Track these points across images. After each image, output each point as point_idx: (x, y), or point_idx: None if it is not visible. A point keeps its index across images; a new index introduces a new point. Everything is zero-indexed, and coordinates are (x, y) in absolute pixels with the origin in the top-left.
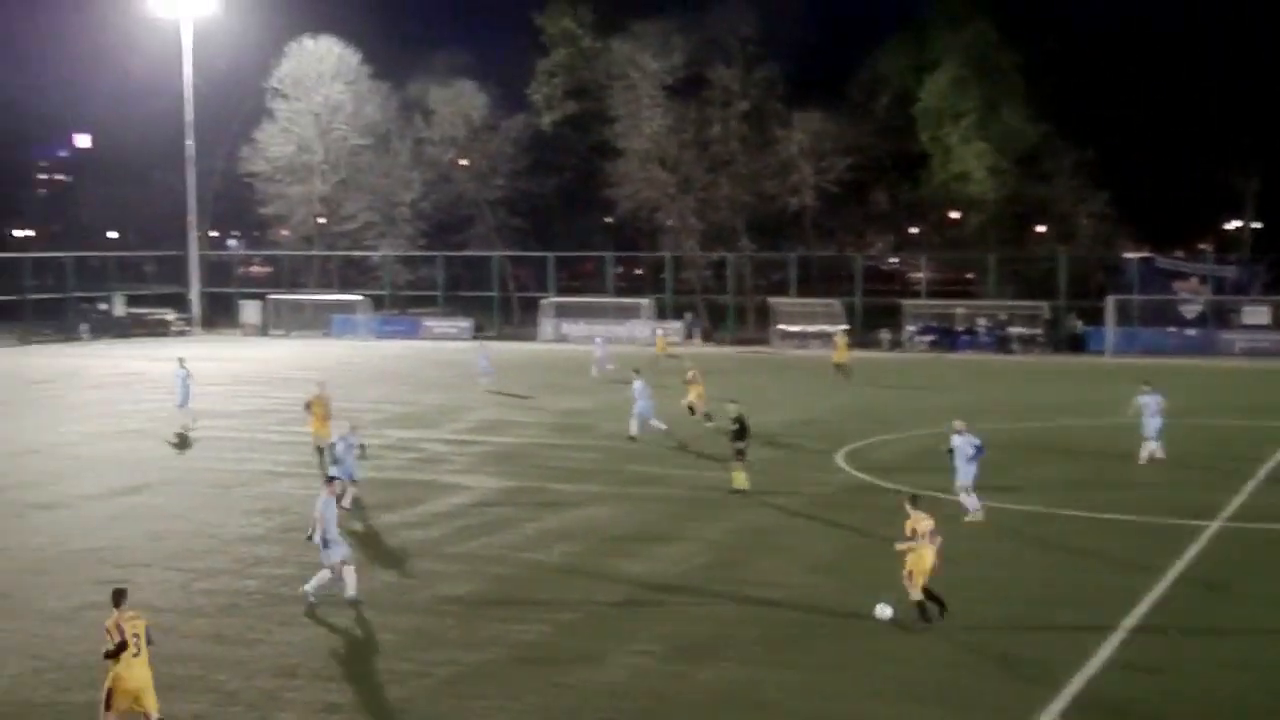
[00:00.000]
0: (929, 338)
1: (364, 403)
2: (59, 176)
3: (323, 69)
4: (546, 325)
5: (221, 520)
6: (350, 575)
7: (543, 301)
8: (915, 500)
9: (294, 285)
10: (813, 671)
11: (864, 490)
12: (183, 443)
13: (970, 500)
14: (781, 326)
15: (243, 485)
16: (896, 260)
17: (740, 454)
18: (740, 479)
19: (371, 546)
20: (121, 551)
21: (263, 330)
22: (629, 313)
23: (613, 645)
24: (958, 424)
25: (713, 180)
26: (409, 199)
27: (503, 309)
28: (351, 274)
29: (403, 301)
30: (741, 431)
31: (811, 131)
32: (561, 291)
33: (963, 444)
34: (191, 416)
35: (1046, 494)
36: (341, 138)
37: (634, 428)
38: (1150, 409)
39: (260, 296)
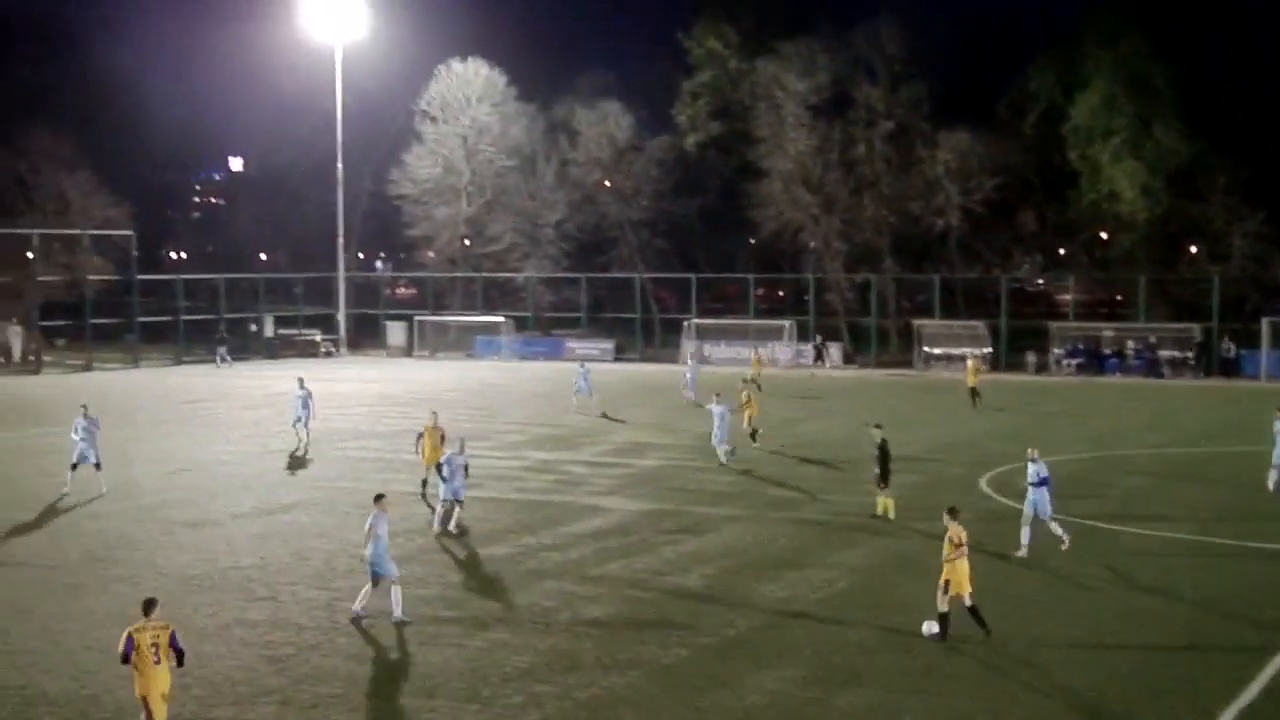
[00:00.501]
0: (1076, 360)
1: (506, 424)
2: (213, 199)
3: (470, 92)
4: (688, 347)
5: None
6: (397, 594)
7: (685, 323)
8: (954, 512)
9: (439, 307)
10: (956, 699)
11: (1008, 516)
12: (296, 462)
13: (1026, 534)
14: (926, 349)
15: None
16: (1043, 281)
17: (882, 479)
18: (884, 504)
19: (511, 568)
20: (267, 570)
21: (408, 351)
22: (771, 334)
23: (751, 670)
24: (1033, 452)
25: (857, 201)
26: (553, 220)
27: (645, 330)
28: (495, 295)
29: (546, 323)
30: (884, 457)
31: (957, 151)
32: (703, 313)
33: (1032, 472)
34: (306, 435)
35: (1195, 521)
36: (487, 160)
37: (723, 455)
38: None
39: (406, 318)
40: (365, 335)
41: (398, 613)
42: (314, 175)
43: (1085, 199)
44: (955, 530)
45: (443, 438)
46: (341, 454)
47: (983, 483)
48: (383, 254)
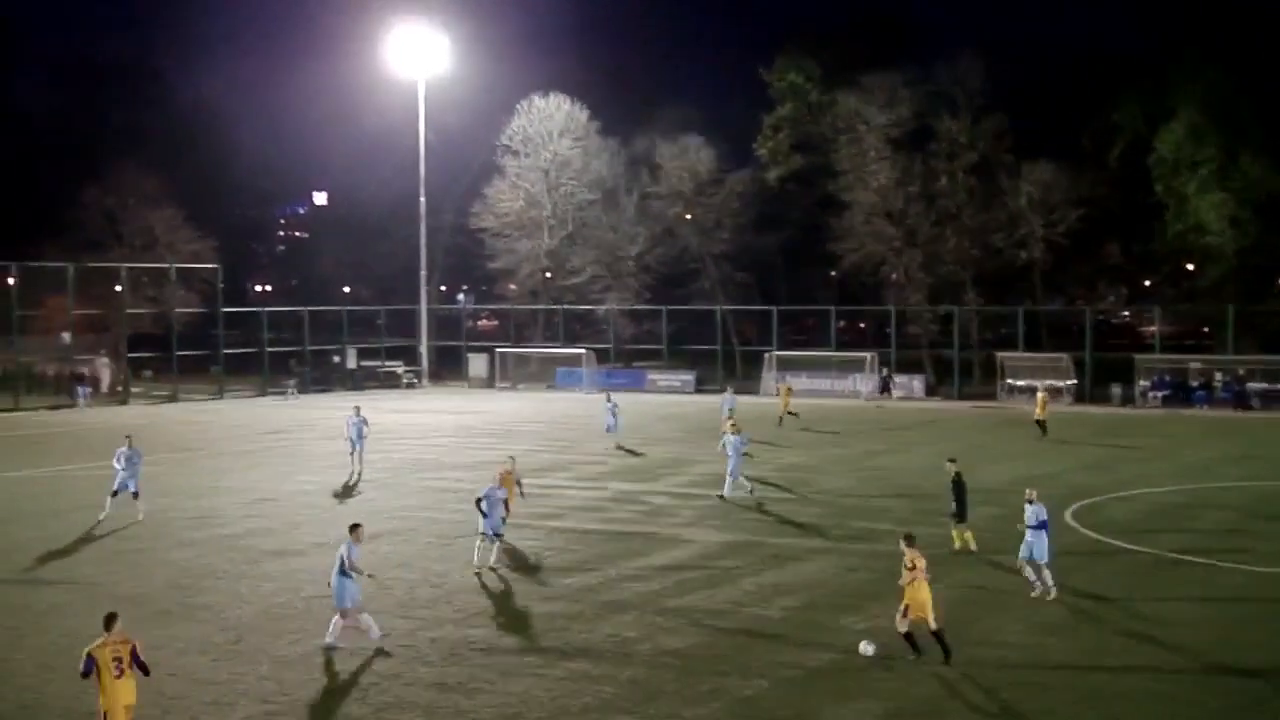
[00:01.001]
0: (1163, 393)
1: (587, 455)
2: (297, 233)
3: (552, 126)
4: (769, 379)
5: (445, 570)
6: (368, 620)
7: (766, 355)
8: (910, 539)
9: (520, 339)
10: None
11: (1093, 549)
12: (347, 491)
13: (1039, 576)
14: (1009, 381)
15: (465, 537)
16: (1128, 313)
17: (958, 514)
18: (961, 538)
19: (592, 599)
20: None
21: (489, 383)
22: (853, 367)
23: (831, 703)
24: (1030, 494)
25: (939, 233)
26: (634, 253)
27: (726, 362)
28: (577, 327)
29: (627, 354)
30: (960, 491)
31: (1041, 183)
32: (785, 345)
33: (1030, 515)
34: (361, 465)
35: None
36: (569, 193)
37: (728, 488)
38: None
39: (488, 350)
40: (447, 367)
41: (374, 634)
42: (397, 209)
43: (1171, 230)
44: (911, 555)
45: (518, 483)
46: (423, 485)
47: (1067, 516)
48: (465, 287)
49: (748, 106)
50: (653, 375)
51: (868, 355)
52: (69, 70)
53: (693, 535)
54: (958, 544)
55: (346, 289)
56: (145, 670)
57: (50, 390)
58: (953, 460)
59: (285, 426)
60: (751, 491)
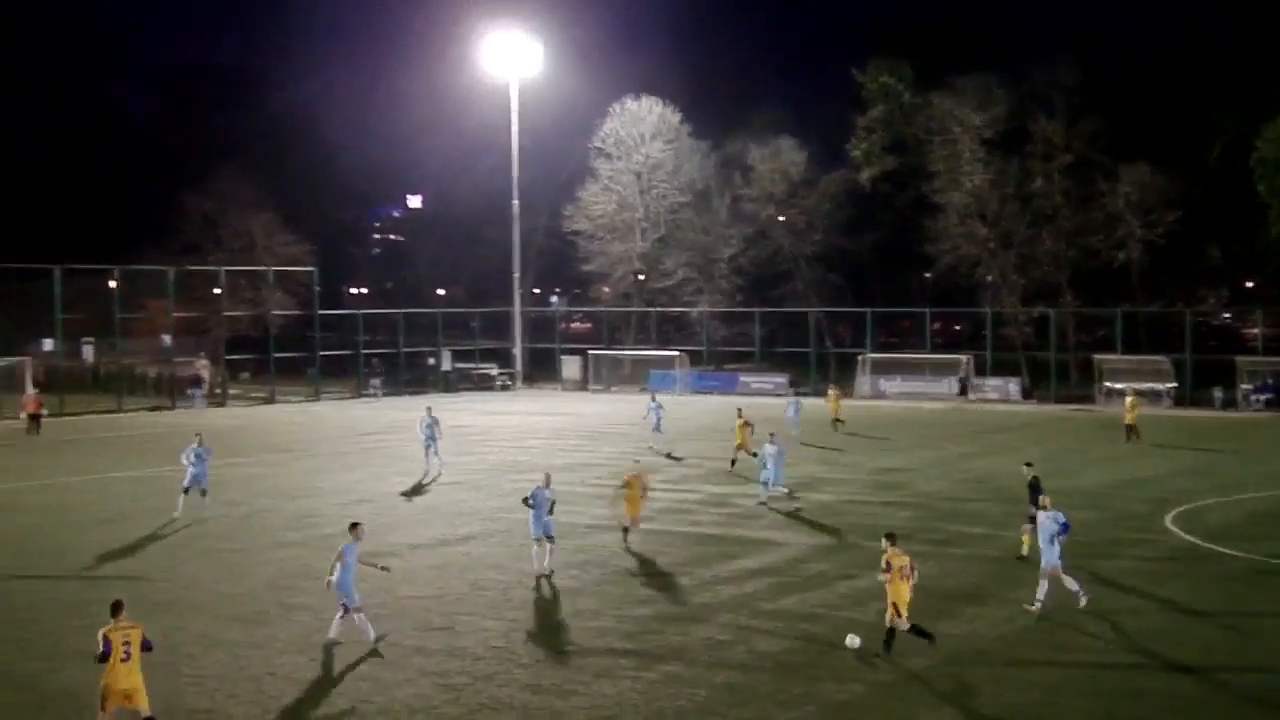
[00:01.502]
0: (1265, 396)
1: (679, 458)
2: (392, 236)
3: (644, 129)
4: (863, 381)
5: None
6: (363, 620)
7: (860, 358)
8: (892, 538)
9: (613, 341)
10: None
11: (1194, 554)
12: (417, 489)
13: (1043, 587)
14: (1107, 384)
15: (560, 538)
16: (1229, 315)
17: (1033, 519)
18: (1030, 543)
19: (685, 601)
20: (445, 600)
21: (582, 385)
22: (947, 369)
23: (927, 708)
24: (1044, 500)
25: (1034, 234)
26: (727, 255)
27: (819, 365)
28: (669, 330)
29: (719, 357)
30: (1035, 495)
31: (1138, 184)
32: (879, 348)
33: (1046, 521)
34: (439, 463)
35: None
36: (661, 195)
37: (764, 493)
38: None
39: (581, 352)
40: (540, 369)
41: (369, 635)
42: (490, 212)
43: (1274, 231)
44: (890, 554)
45: (644, 489)
46: (516, 486)
47: (1167, 520)
48: (558, 289)
49: (840, 108)
50: (745, 378)
51: (962, 358)
52: (170, 77)
53: (784, 538)
54: (1026, 549)
55: (441, 291)
56: (148, 648)
57: (151, 392)
58: (1029, 464)
59: (381, 428)
60: (791, 494)
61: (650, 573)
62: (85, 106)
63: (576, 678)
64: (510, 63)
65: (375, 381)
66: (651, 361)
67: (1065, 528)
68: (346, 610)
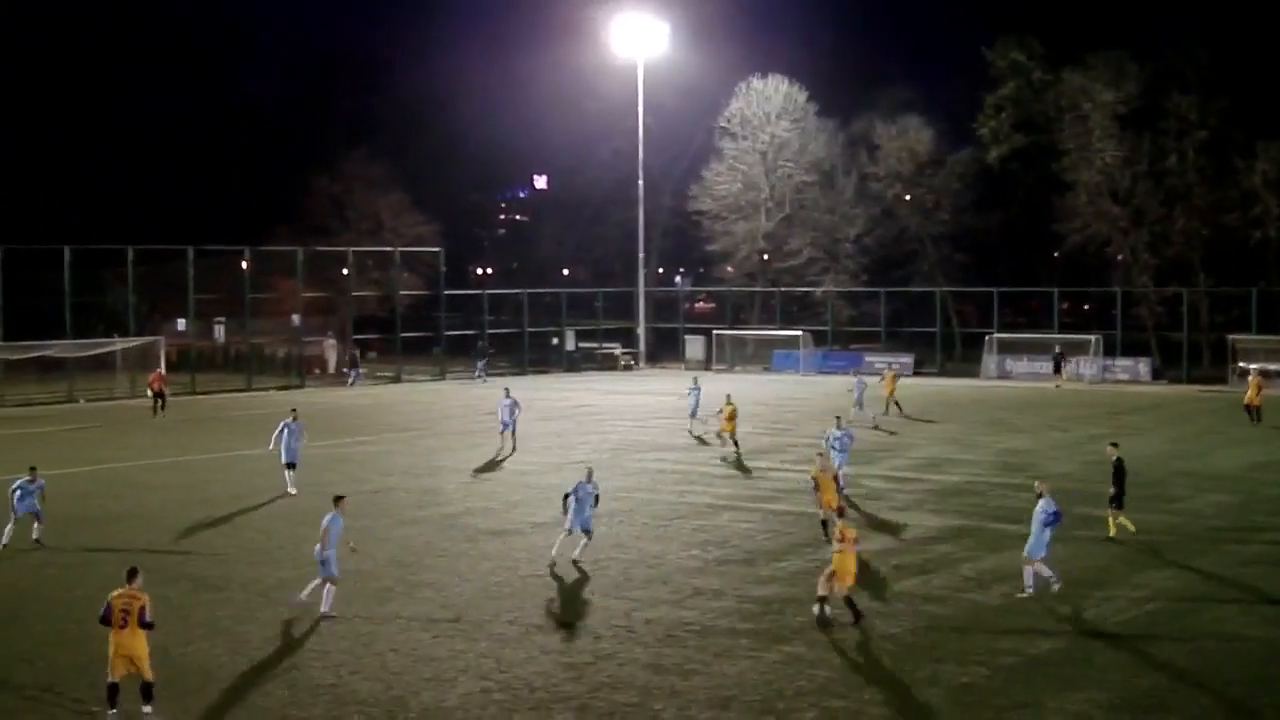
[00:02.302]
0: None
1: (803, 438)
2: (518, 217)
3: (770, 108)
4: (989, 362)
5: (661, 551)
6: (329, 593)
7: (986, 337)
8: (842, 512)
9: (737, 321)
10: None
11: None
12: (490, 465)
13: (1028, 573)
14: (1242, 364)
15: (682, 518)
16: None
17: (1116, 500)
18: (1116, 524)
19: (807, 582)
20: (566, 579)
21: (706, 365)
22: (1076, 350)
23: (1053, 692)
24: (1039, 485)
25: (1167, 213)
26: (852, 235)
27: (945, 345)
28: (793, 310)
29: (844, 337)
30: (1120, 476)
31: (1276, 160)
32: (1005, 328)
33: (1040, 509)
34: (514, 441)
35: None
36: (787, 175)
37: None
38: None
39: (704, 332)
40: (664, 349)
41: (325, 608)
42: (615, 192)
43: None
44: (841, 527)
45: (835, 479)
46: (640, 466)
47: None
48: (682, 269)
49: (968, 86)
50: (870, 357)
51: (1091, 338)
52: (300, 62)
53: (909, 519)
54: (1113, 531)
55: (565, 271)
56: (149, 627)
57: (280, 371)
58: (1115, 444)
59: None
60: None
61: (773, 553)
62: (219, 92)
63: (697, 657)
64: (636, 43)
65: (481, 363)
66: (775, 341)
67: (1056, 516)
68: (328, 579)
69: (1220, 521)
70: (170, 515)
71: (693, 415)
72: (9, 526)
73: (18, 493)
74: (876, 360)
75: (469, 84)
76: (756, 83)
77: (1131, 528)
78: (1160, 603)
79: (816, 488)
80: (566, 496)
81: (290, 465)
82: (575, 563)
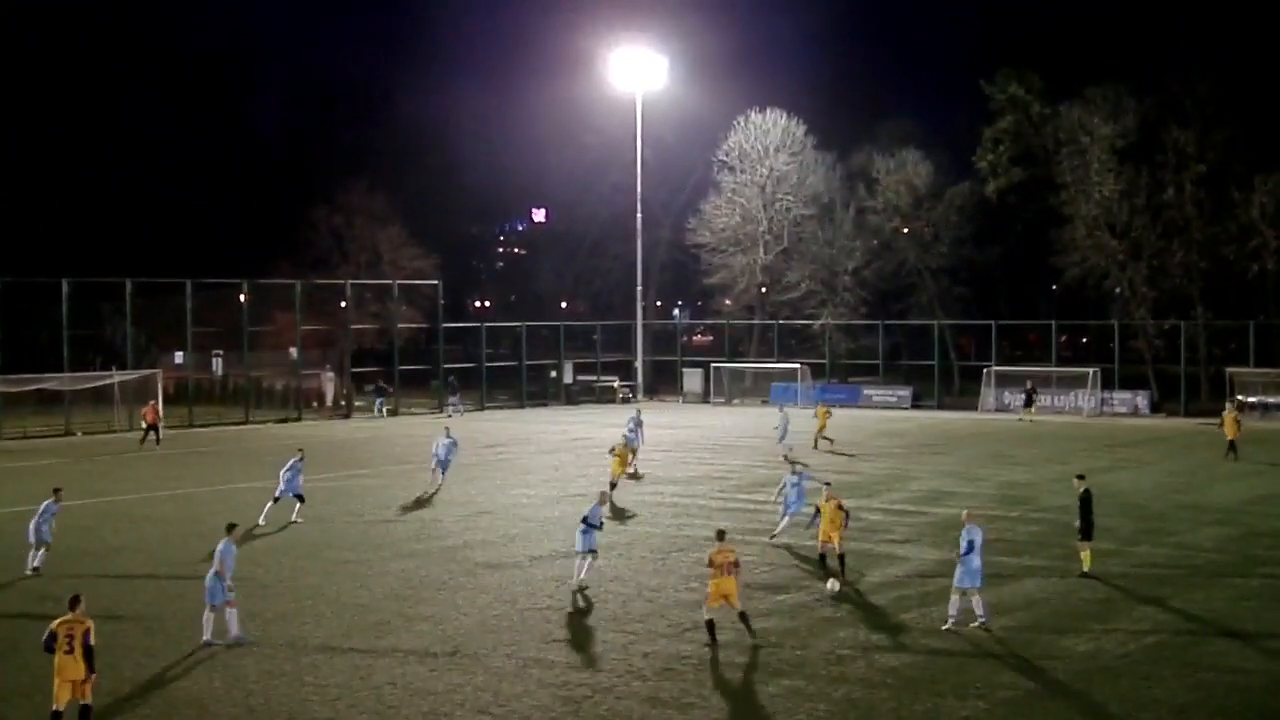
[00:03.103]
0: None
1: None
2: (516, 249)
3: (768, 141)
4: (988, 395)
5: (659, 585)
6: (233, 617)
7: (985, 371)
8: (720, 535)
9: (735, 354)
10: None
11: None
12: (419, 504)
13: (966, 604)
14: (1240, 398)
15: (680, 551)
16: None
17: (1084, 532)
18: (1088, 559)
19: (806, 615)
20: (564, 612)
21: (704, 398)
22: (1074, 383)
23: None
24: (964, 514)
25: (1165, 246)
26: (851, 267)
27: (943, 378)
28: (792, 343)
29: (843, 370)
30: (1085, 509)
31: (1274, 193)
32: (1004, 360)
33: (963, 537)
34: (442, 478)
35: None
36: (785, 208)
37: (781, 526)
38: None
39: (703, 365)
40: (663, 382)
41: (234, 632)
42: (614, 225)
43: None
44: (718, 550)
45: (841, 508)
46: (638, 499)
47: None
48: (680, 302)
49: (967, 119)
50: (869, 390)
51: (1090, 371)
52: (300, 94)
53: (908, 553)
54: (1088, 565)
55: (564, 304)
56: (89, 656)
57: (278, 404)
58: (1081, 476)
59: (503, 440)
60: (810, 525)
61: (772, 586)
62: (219, 124)
63: (695, 690)
64: (635, 77)
65: (454, 399)
66: (773, 374)
67: (970, 546)
68: (214, 607)
69: (1220, 555)
70: (170, 548)
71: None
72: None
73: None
74: (875, 393)
75: (468, 116)
76: (755, 116)
77: (1086, 566)
78: (1160, 636)
79: (816, 514)
80: (585, 519)
81: (279, 498)
82: (582, 584)
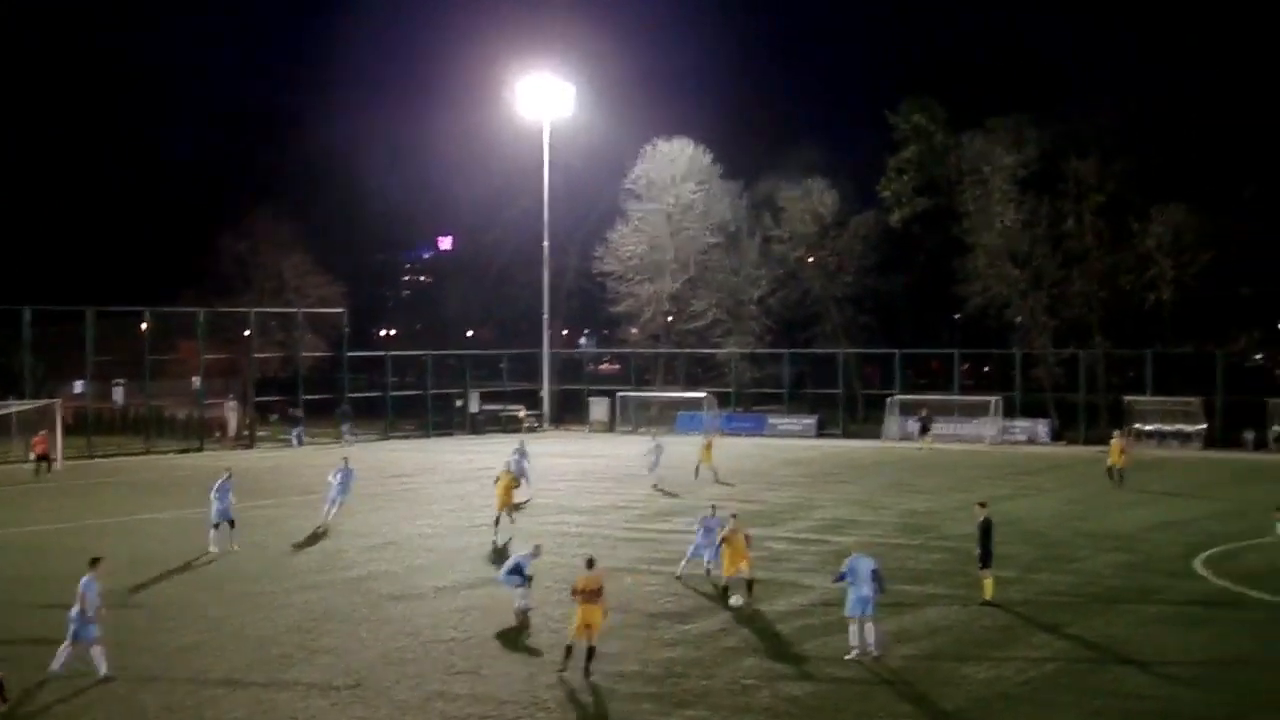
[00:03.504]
0: None
1: (707, 500)
2: (422, 278)
3: (675, 170)
4: (892, 423)
5: (564, 615)
6: (99, 655)
7: (889, 399)
8: (590, 564)
9: (641, 382)
10: None
11: (1225, 599)
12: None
13: (862, 633)
14: (1137, 426)
15: None
16: (1261, 357)
17: (984, 559)
18: (989, 587)
19: (711, 645)
20: (470, 643)
21: (610, 427)
22: (977, 411)
23: None
24: (851, 548)
25: (1065, 275)
26: (756, 296)
27: (848, 406)
28: (698, 371)
29: (748, 398)
30: (985, 536)
31: (1171, 224)
32: (908, 389)
33: (845, 565)
34: (332, 513)
35: None
36: (692, 236)
37: (682, 570)
38: None
39: (609, 394)
40: (569, 410)
41: (102, 670)
42: (520, 253)
43: None
44: (583, 578)
45: (746, 536)
46: (543, 529)
47: (1197, 564)
48: (587, 330)
49: (871, 149)
50: (774, 419)
51: (992, 399)
52: (207, 120)
53: (812, 581)
54: (989, 594)
55: (470, 333)
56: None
57: (180, 434)
58: (983, 504)
59: (409, 470)
60: (709, 572)
61: (675, 616)
62: (122, 150)
63: None
64: (543, 105)
65: (295, 430)
66: (680, 403)
67: (840, 577)
68: (77, 640)
69: (1118, 581)
70: (70, 580)
71: (520, 476)
72: None
73: None
74: (780, 422)
75: (375, 144)
76: (662, 144)
77: (987, 594)
78: (1059, 663)
79: (722, 542)
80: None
81: (217, 525)
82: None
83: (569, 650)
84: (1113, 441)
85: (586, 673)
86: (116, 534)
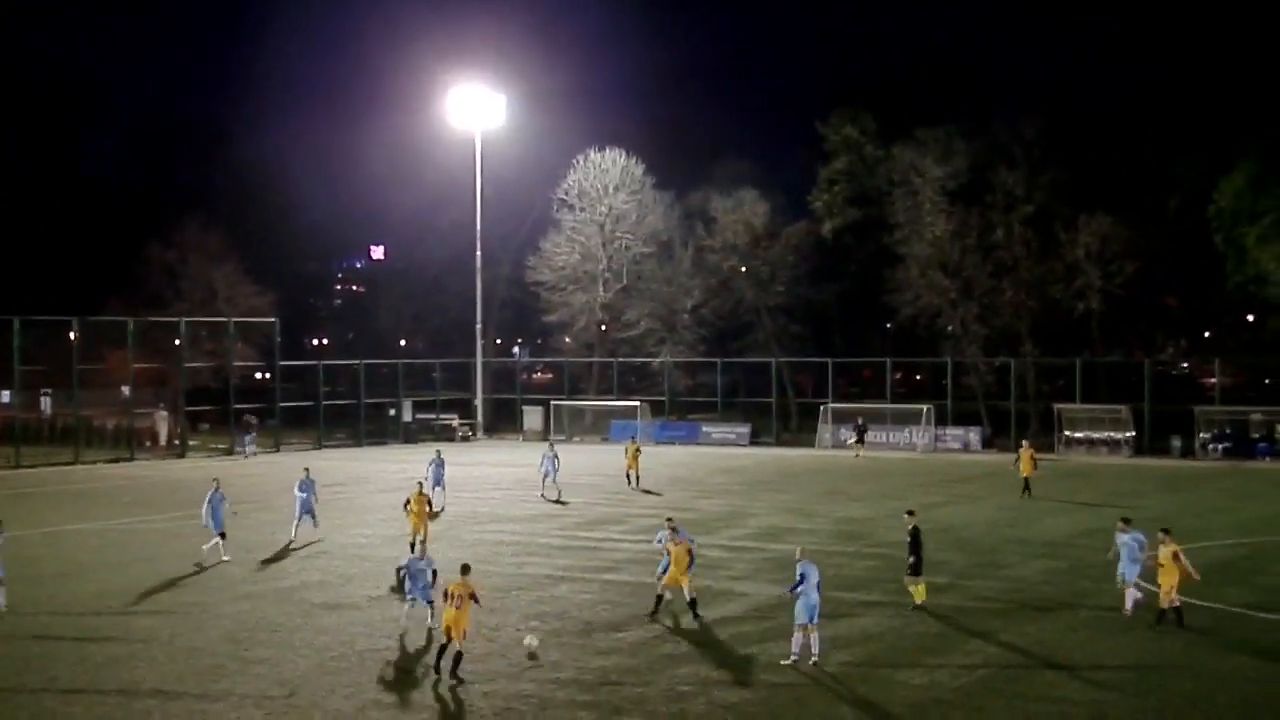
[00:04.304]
0: (1223, 445)
1: (641, 508)
2: (355, 287)
3: (608, 180)
4: (825, 431)
5: (499, 623)
6: None
7: (822, 408)
8: (465, 569)
9: (575, 391)
10: None
11: (1154, 604)
12: (284, 550)
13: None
14: (1067, 433)
15: (520, 589)
16: (1188, 365)
17: (914, 568)
18: (919, 592)
19: (646, 653)
20: (403, 653)
21: (544, 436)
22: (909, 419)
23: None
24: (798, 551)
25: (995, 285)
26: (689, 305)
27: (781, 415)
28: (631, 380)
29: (682, 407)
30: (915, 544)
31: (1098, 234)
32: (840, 398)
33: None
34: (301, 530)
35: None
36: (624, 246)
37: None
38: (1131, 551)
39: (543, 403)
40: (502, 420)
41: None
42: (453, 263)
43: (1231, 281)
44: (457, 585)
45: (691, 541)
46: (478, 537)
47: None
48: (520, 340)
49: (803, 160)
50: (707, 428)
51: (924, 407)
52: (136, 129)
53: (746, 589)
54: (920, 599)
55: (403, 342)
56: None
57: (109, 444)
58: (911, 512)
59: (341, 480)
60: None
61: (611, 624)
62: (48, 156)
63: None
64: (474, 115)
65: (249, 437)
66: (613, 412)
67: (802, 580)
68: None
69: (1049, 588)
70: None
71: (437, 484)
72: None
73: None
74: (714, 431)
75: (306, 154)
76: (594, 155)
77: (919, 600)
78: (992, 668)
79: (666, 566)
80: (399, 570)
81: (222, 534)
82: (431, 630)
83: (442, 649)
84: (1021, 450)
85: (452, 674)
86: (43, 544)
